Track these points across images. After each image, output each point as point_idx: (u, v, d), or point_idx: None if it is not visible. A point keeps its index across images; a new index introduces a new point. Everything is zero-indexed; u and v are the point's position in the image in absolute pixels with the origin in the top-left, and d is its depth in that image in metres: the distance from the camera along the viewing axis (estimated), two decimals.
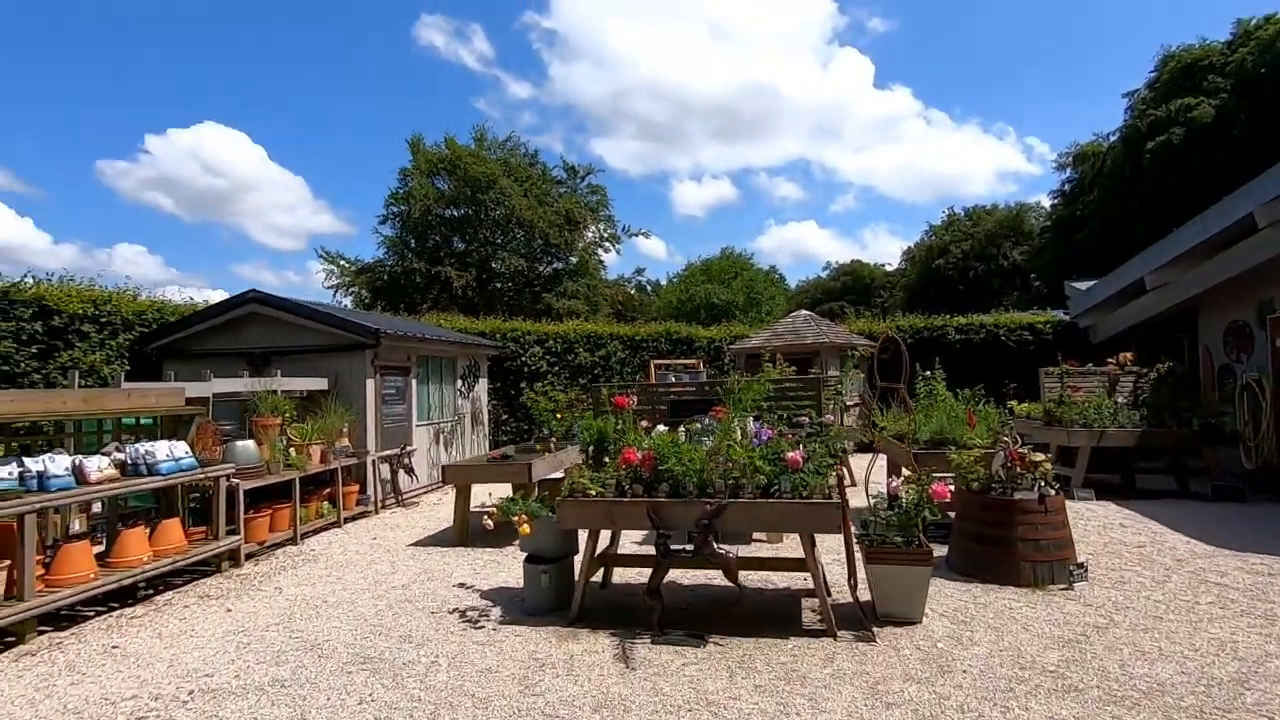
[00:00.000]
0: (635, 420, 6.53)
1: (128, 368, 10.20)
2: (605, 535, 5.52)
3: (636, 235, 31.90)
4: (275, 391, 8.57)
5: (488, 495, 10.52)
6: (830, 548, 6.60)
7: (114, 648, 4.89)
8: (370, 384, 10.04)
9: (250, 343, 10.24)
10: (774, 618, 5.04)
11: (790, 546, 7.01)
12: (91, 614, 5.67)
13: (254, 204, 47.38)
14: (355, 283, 29.72)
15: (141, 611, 5.71)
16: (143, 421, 7.44)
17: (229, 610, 5.65)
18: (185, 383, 7.25)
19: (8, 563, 5.00)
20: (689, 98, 70.94)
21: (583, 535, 5.38)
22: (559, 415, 9.66)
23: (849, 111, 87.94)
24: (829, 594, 4.95)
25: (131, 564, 5.89)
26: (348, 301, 29.38)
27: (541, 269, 29.87)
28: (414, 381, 11.31)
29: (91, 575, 5.51)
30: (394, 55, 48.86)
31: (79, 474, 5.64)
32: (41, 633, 5.21)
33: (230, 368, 9.14)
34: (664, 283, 47.47)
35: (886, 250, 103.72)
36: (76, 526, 7.74)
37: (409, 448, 10.86)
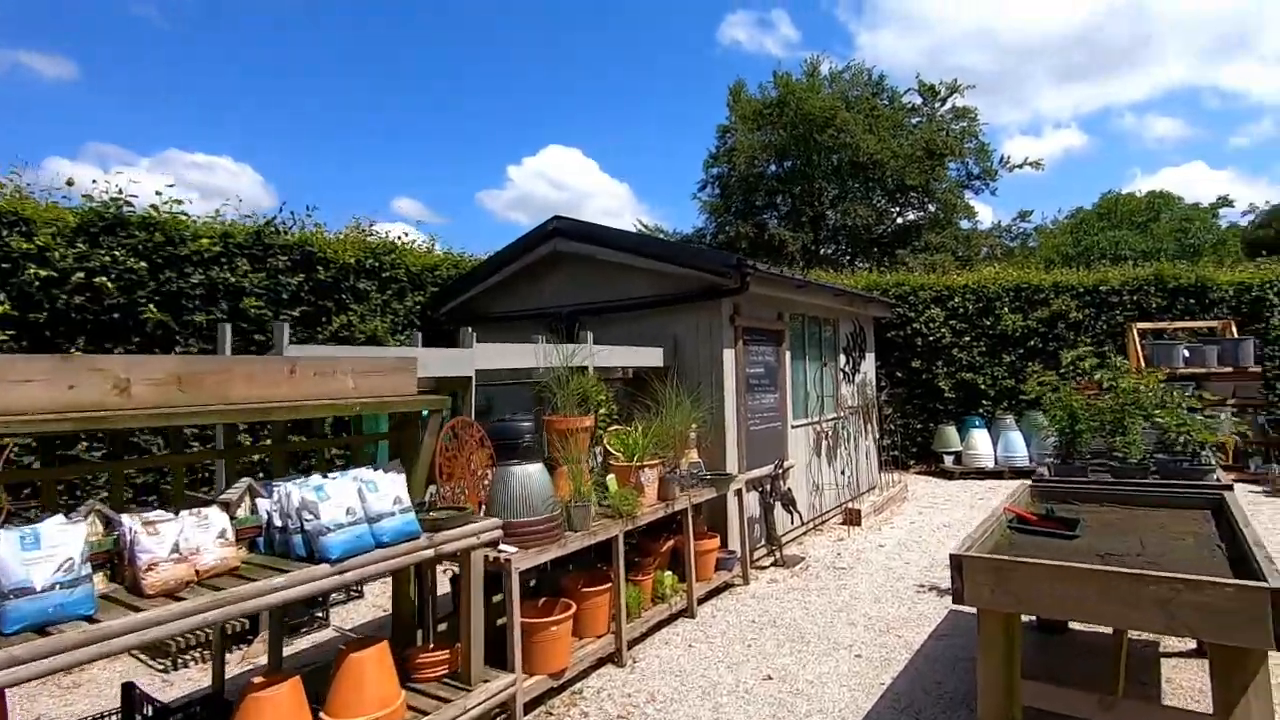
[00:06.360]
0: None
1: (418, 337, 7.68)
2: None
3: (1023, 166, 23.68)
4: (585, 369, 4.90)
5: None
6: None
7: None
8: (729, 357, 5.94)
9: (554, 298, 6.92)
10: None
11: None
12: None
13: (590, 211, 51.79)
14: None
15: None
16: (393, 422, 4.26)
17: None
18: (417, 350, 3.82)
19: None
20: (1024, 39, 54.97)
21: None
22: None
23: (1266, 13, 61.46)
24: None
25: None
26: None
27: (892, 221, 23.79)
28: (787, 355, 6.99)
29: None
30: (700, 60, 49.04)
31: (122, 563, 2.29)
32: None
33: (531, 335, 5.79)
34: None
35: None
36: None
37: (786, 463, 6.57)
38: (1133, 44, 59.32)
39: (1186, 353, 9.77)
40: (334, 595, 5.41)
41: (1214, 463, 4.43)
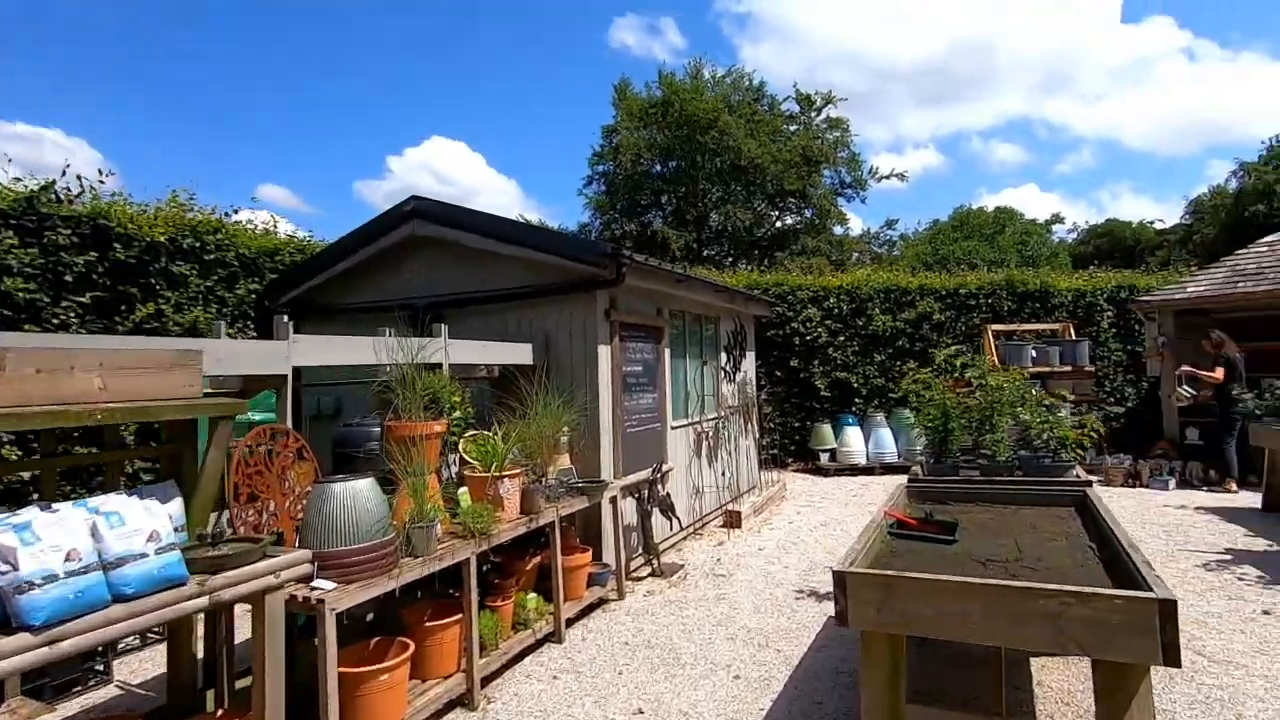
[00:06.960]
0: None
1: (252, 332, 6.71)
2: None
3: (889, 178, 25.25)
4: (438, 367, 4.31)
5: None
6: None
7: None
8: (605, 354, 5.51)
9: (413, 288, 6.22)
10: None
11: None
12: None
13: (477, 205, 50.56)
14: None
15: None
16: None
17: None
18: (206, 340, 3.10)
19: None
20: (889, 63, 59.67)
21: None
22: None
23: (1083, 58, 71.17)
24: None
25: None
26: None
27: (772, 224, 24.45)
28: (667, 353, 6.67)
29: None
30: (590, 60, 49.65)
31: None
32: None
33: (387, 328, 5.05)
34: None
35: (1132, 211, 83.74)
36: None
37: (666, 466, 6.25)
38: (978, 76, 65.52)
39: (1034, 353, 10.46)
40: (126, 640, 4.47)
41: (1073, 460, 4.52)
